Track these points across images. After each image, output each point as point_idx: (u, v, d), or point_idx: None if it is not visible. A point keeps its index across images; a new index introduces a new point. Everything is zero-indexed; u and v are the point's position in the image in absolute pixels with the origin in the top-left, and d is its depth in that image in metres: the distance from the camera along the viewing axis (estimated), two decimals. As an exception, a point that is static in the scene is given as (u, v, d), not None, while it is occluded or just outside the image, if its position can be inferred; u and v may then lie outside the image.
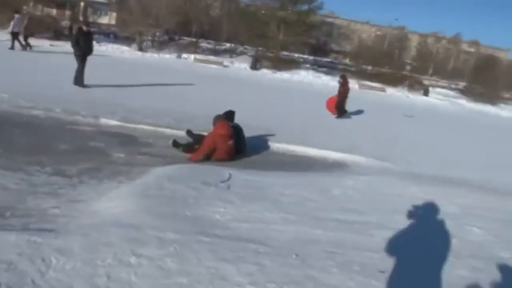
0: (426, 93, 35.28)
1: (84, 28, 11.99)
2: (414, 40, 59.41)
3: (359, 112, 16.62)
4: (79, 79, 11.44)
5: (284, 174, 6.67)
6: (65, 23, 35.31)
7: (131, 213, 4.08)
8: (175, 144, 7.31)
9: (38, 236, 3.36)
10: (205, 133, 7.49)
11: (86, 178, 5.20)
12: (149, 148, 7.18)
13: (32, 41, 20.68)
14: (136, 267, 3.12)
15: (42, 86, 10.41)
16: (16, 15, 19.98)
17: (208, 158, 7.03)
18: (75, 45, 11.51)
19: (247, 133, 7.91)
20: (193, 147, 7.32)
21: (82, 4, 43.71)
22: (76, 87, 11.15)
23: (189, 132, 7.75)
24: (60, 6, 40.04)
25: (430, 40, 59.06)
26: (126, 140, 7.46)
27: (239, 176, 5.81)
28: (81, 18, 41.33)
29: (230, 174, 5.72)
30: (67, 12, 40.80)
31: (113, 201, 4.46)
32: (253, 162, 7.24)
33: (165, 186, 4.99)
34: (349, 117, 14.41)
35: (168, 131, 8.28)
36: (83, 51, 11.52)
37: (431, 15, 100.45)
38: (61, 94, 9.78)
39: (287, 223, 4.38)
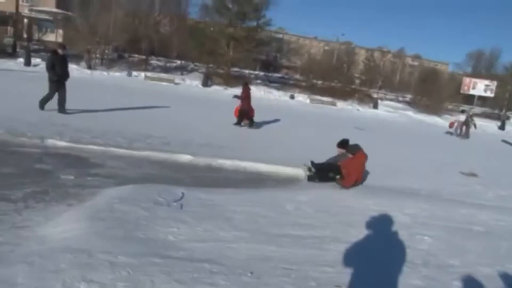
0: (375, 106, 36.29)
1: (60, 51, 11.15)
2: (361, 55, 61.48)
3: (311, 126, 16.88)
4: (42, 102, 10.94)
5: (236, 191, 6.63)
6: (7, 40, 34.29)
7: (81, 237, 3.94)
8: (310, 178, 7.84)
9: (-22, 267, 3.19)
10: (332, 162, 7.99)
11: (32, 202, 4.96)
12: (100, 169, 6.96)
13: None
14: (86, 294, 3.01)
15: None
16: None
17: None
18: (51, 70, 10.83)
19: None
20: (328, 175, 7.76)
21: (25, 20, 42.66)
22: (20, 107, 10.65)
23: (313, 163, 7.95)
24: (2, 23, 38.72)
25: (376, 54, 61.23)
26: (75, 161, 7.22)
27: (192, 194, 5.75)
28: (25, 35, 40.34)
29: (183, 193, 5.66)
30: (9, 29, 39.64)
31: (62, 225, 4.29)
32: (206, 180, 7.18)
33: (116, 207, 4.86)
34: (258, 127, 14.06)
35: (119, 151, 8.06)
36: (59, 76, 10.90)
37: (375, 30, 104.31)
38: (4, 114, 9.35)
39: (241, 241, 4.37)
